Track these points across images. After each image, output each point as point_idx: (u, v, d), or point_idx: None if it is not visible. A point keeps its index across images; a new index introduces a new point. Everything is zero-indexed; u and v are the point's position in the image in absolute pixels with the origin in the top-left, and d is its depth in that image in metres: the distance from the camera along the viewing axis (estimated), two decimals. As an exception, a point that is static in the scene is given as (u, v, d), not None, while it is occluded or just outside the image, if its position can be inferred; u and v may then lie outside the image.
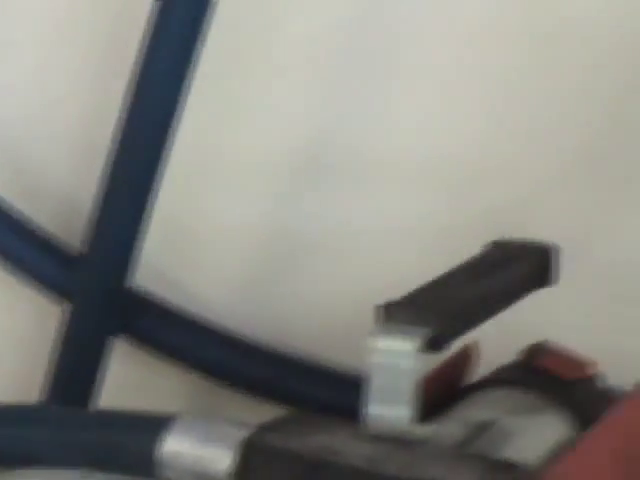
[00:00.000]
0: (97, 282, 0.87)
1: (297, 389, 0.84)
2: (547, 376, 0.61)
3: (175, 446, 0.52)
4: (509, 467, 0.48)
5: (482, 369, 0.66)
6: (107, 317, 0.86)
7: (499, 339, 0.68)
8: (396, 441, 0.49)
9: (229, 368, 0.84)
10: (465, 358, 0.64)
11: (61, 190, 0.97)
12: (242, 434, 0.51)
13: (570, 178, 0.79)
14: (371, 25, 0.82)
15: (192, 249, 0.91)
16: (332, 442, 0.49)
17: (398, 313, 0.52)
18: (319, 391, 0.83)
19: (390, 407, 0.50)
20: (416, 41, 0.81)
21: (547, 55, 0.78)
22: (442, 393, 0.60)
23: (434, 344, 0.50)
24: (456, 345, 0.60)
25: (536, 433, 0.57)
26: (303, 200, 0.87)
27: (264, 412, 0.75)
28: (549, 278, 0.63)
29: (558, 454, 0.54)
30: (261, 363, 0.84)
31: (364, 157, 0.85)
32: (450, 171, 0.81)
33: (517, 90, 0.79)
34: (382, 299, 0.54)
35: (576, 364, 0.63)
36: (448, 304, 0.54)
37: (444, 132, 0.82)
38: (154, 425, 0.54)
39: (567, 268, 0.65)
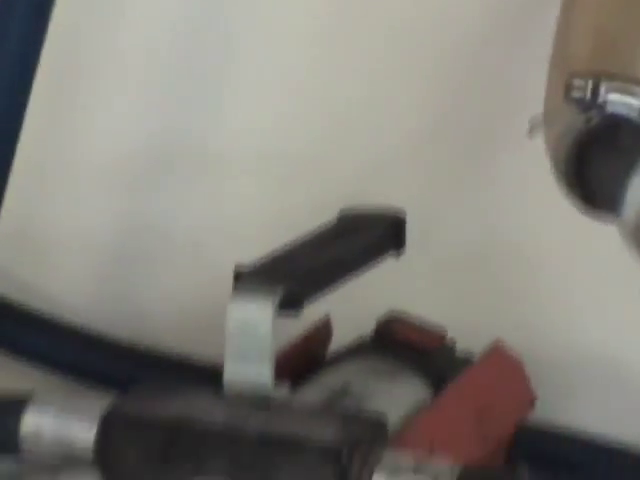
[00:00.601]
0: None
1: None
2: (401, 344, 0.62)
3: (36, 423, 0.52)
4: (366, 421, 0.49)
5: (339, 344, 0.66)
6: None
7: (353, 313, 0.69)
8: (254, 402, 0.49)
9: (88, 367, 0.83)
10: (319, 333, 0.65)
11: None
12: (101, 406, 0.51)
13: (411, 154, 0.81)
14: (207, 24, 0.83)
15: (44, 251, 0.91)
16: (190, 408, 0.49)
17: (252, 277, 0.53)
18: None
19: (249, 368, 0.50)
20: (248, 43, 0.84)
21: (385, 38, 0.80)
22: (300, 367, 0.61)
23: (288, 304, 0.51)
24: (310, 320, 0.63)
25: (393, 396, 0.58)
26: (150, 196, 0.88)
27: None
28: (400, 243, 0.64)
29: (416, 412, 0.56)
30: (121, 360, 0.83)
31: (204, 152, 0.86)
32: (289, 158, 0.83)
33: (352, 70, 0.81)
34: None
35: (428, 332, 0.64)
36: (300, 266, 0.55)
37: (280, 121, 0.84)
38: (13, 405, 0.54)
39: (413, 240, 0.67)
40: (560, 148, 0.52)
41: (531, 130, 0.55)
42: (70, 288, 0.90)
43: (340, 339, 0.67)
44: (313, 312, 0.64)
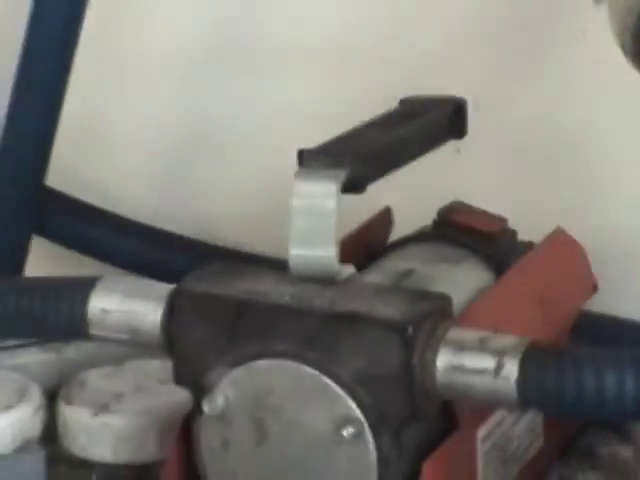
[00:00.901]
0: (12, 183, 0.88)
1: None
2: (463, 230, 0.63)
3: (104, 304, 0.53)
4: (430, 297, 0.49)
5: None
6: (24, 217, 0.87)
7: (414, 206, 0.69)
8: (320, 280, 0.50)
9: (149, 260, 0.85)
10: (380, 222, 0.66)
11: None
12: (168, 288, 0.52)
13: (475, 43, 0.80)
14: None
15: (106, 147, 0.92)
16: (258, 285, 0.50)
17: (317, 158, 0.53)
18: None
19: (313, 248, 0.50)
20: None
21: None
22: (362, 255, 0.61)
23: (352, 185, 0.51)
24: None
25: (457, 280, 0.59)
26: (213, 89, 0.88)
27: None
28: (461, 129, 0.64)
29: (479, 294, 0.56)
30: (180, 253, 0.84)
31: (267, 44, 0.85)
32: (355, 45, 0.82)
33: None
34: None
35: (490, 219, 0.64)
36: (364, 148, 0.55)
37: (342, 12, 0.83)
38: (82, 286, 0.55)
39: (474, 132, 0.66)
40: (628, 17, 0.51)
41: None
42: (132, 184, 0.91)
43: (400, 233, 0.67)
44: (374, 207, 0.66)
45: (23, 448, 0.58)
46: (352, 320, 0.46)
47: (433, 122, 0.62)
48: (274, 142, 0.84)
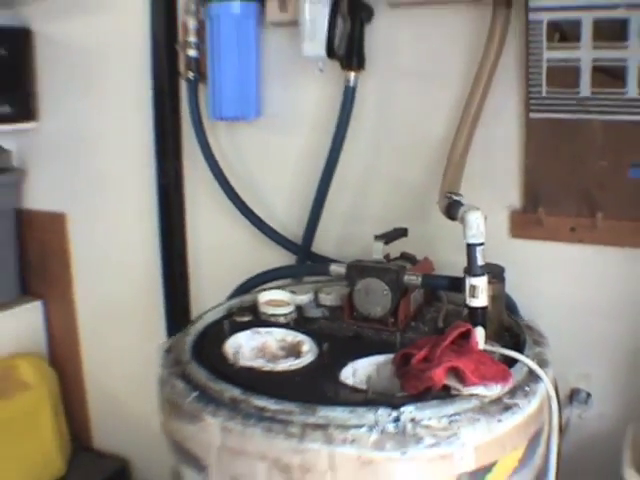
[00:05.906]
0: (305, 255, 2.13)
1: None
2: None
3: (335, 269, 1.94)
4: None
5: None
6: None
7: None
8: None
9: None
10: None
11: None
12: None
13: None
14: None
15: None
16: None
17: (381, 236, 1.92)
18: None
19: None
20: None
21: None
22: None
23: (385, 242, 1.97)
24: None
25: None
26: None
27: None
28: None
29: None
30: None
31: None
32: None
33: None
34: None
35: None
36: (391, 233, 2.01)
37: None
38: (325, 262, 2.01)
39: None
40: None
41: None
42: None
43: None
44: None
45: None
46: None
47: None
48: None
